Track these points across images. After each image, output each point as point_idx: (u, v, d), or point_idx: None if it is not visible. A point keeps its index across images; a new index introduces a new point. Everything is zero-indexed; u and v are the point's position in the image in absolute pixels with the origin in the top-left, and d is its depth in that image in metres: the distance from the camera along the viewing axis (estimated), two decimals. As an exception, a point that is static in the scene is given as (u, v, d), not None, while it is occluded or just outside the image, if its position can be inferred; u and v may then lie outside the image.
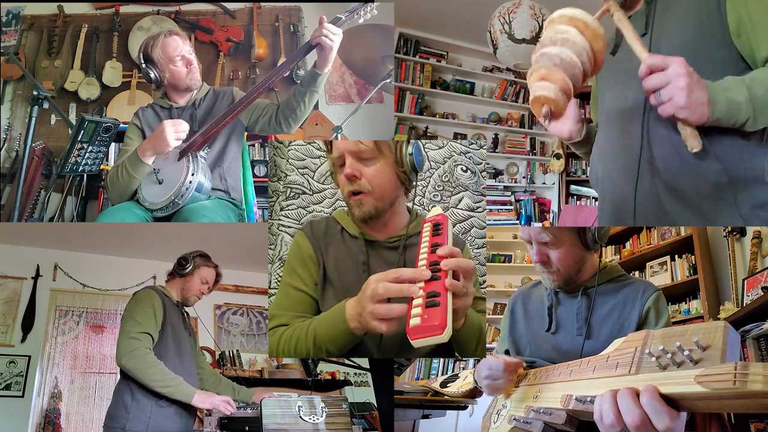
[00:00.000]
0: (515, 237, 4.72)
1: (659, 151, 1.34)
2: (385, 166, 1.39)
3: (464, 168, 2.06)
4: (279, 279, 1.97)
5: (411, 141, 1.40)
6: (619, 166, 1.43)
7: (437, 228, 1.24)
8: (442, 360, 4.07)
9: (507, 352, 1.53)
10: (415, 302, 1.00)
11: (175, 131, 1.92)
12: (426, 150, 2.11)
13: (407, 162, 1.38)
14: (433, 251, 1.12)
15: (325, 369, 3.95)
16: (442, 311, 0.95)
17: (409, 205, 1.54)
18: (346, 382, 3.91)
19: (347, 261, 1.43)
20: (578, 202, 4.82)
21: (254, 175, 2.66)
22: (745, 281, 2.62)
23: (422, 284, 1.03)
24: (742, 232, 2.83)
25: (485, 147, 2.10)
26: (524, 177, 4.96)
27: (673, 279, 3.31)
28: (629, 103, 1.36)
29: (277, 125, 2.09)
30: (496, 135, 4.95)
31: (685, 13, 1.33)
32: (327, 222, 1.50)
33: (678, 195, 1.33)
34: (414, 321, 0.96)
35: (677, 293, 3.26)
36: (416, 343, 0.95)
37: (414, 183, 1.45)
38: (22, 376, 3.71)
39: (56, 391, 3.75)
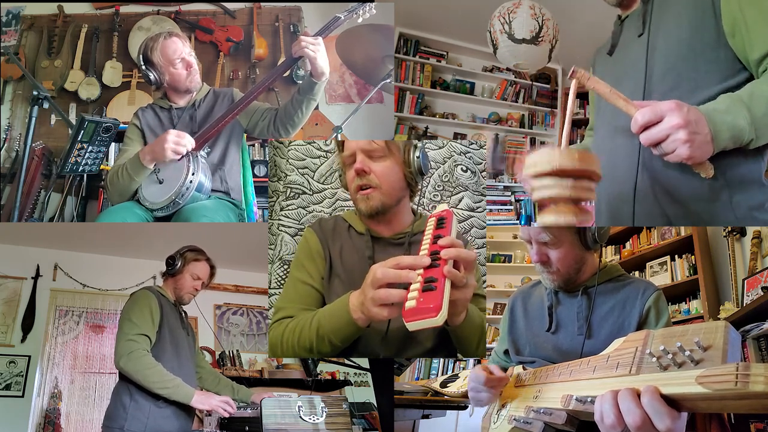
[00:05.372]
0: (515, 237, 4.72)
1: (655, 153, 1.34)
2: (394, 165, 1.45)
3: (464, 168, 2.06)
4: (279, 279, 1.97)
5: (418, 145, 1.46)
6: (617, 166, 1.43)
7: (441, 221, 1.26)
8: (442, 360, 4.06)
9: (506, 352, 1.53)
10: (412, 287, 1.01)
11: (175, 144, 1.91)
12: (426, 150, 2.11)
13: (414, 164, 1.44)
14: (435, 242, 1.13)
15: (325, 369, 3.95)
16: (438, 295, 0.97)
17: (414, 207, 1.58)
18: (346, 382, 3.91)
19: (353, 256, 1.47)
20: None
21: (254, 175, 2.66)
22: (745, 281, 2.62)
23: (421, 271, 1.05)
24: (742, 232, 2.83)
25: (485, 147, 2.10)
26: (524, 177, 4.95)
27: (673, 279, 3.30)
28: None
29: (275, 131, 2.11)
30: (496, 135, 4.95)
31: (682, 13, 1.33)
32: (335, 220, 1.55)
33: (674, 197, 1.33)
34: (410, 303, 0.97)
35: (677, 293, 3.25)
36: (411, 325, 0.96)
37: (419, 186, 1.51)
38: (22, 376, 3.71)
39: (56, 391, 3.75)
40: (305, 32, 1.99)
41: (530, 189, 1.17)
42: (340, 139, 2.67)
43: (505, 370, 1.47)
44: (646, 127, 1.12)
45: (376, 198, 1.42)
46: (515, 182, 4.88)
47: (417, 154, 1.44)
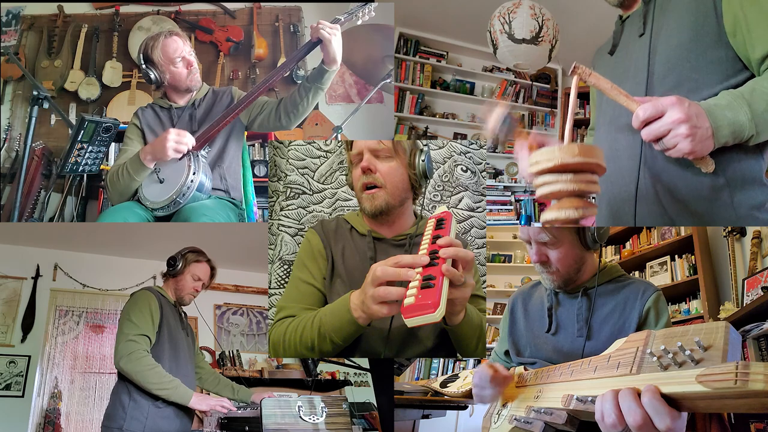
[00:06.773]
0: (515, 237, 4.72)
1: (655, 153, 1.34)
2: (399, 166, 1.47)
3: (464, 168, 2.06)
4: (279, 279, 1.97)
5: (423, 149, 1.49)
6: (618, 166, 1.43)
7: (440, 223, 1.27)
8: (442, 360, 4.06)
9: (507, 353, 1.52)
10: (411, 284, 1.03)
11: (176, 142, 1.91)
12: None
13: (419, 167, 1.47)
14: (434, 242, 1.14)
15: (325, 369, 3.95)
16: (436, 292, 0.98)
17: (417, 210, 1.60)
18: (346, 382, 3.92)
19: (355, 256, 1.48)
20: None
21: (254, 175, 2.66)
22: (745, 281, 2.62)
23: (420, 270, 1.06)
24: (742, 232, 2.83)
25: (485, 147, 2.10)
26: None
27: (673, 279, 3.30)
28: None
29: (276, 119, 2.10)
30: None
31: (683, 13, 1.33)
32: (337, 221, 1.57)
33: (675, 197, 1.33)
34: (408, 300, 0.99)
35: (677, 293, 3.25)
36: (409, 321, 0.97)
37: (423, 189, 1.53)
38: (22, 376, 3.71)
39: (56, 391, 3.75)
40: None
41: (534, 186, 1.17)
42: (341, 139, 2.67)
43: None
44: (647, 123, 1.12)
45: (381, 197, 1.44)
46: (515, 182, 4.88)
47: (422, 157, 1.47)
